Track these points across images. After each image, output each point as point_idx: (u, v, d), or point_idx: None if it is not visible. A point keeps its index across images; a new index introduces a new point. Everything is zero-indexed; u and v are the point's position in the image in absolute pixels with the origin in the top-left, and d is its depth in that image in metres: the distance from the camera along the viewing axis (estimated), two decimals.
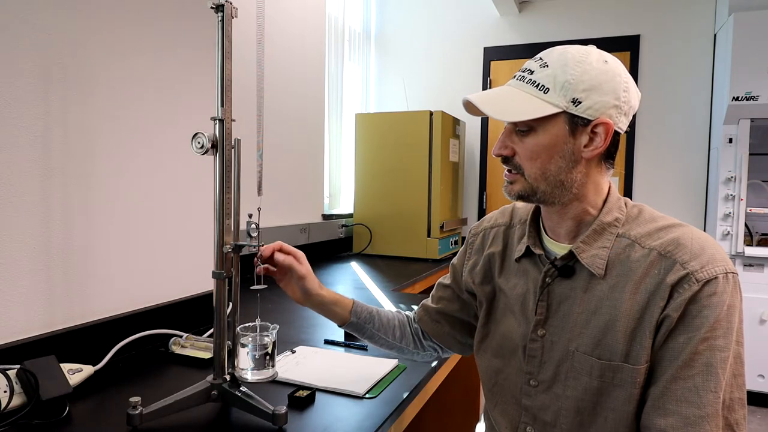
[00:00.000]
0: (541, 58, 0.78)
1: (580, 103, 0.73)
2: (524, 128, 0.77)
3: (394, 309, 1.08)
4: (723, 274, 0.70)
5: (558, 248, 0.83)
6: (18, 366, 0.92)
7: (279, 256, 0.93)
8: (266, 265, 0.94)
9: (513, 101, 0.76)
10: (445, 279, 1.05)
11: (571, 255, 0.79)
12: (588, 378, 0.76)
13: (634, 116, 0.80)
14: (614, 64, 0.76)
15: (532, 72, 0.77)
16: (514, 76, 0.80)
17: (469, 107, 0.81)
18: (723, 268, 0.70)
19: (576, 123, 0.75)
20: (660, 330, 0.71)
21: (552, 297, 0.82)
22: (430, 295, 1.07)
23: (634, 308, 0.73)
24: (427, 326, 1.04)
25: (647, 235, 0.76)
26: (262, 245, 0.92)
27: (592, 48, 0.77)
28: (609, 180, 0.83)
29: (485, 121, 3.68)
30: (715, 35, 3.15)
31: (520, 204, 0.96)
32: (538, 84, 0.75)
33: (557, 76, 0.74)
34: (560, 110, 0.74)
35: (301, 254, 0.96)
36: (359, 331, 1.01)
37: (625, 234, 0.78)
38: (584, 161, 0.77)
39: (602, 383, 0.75)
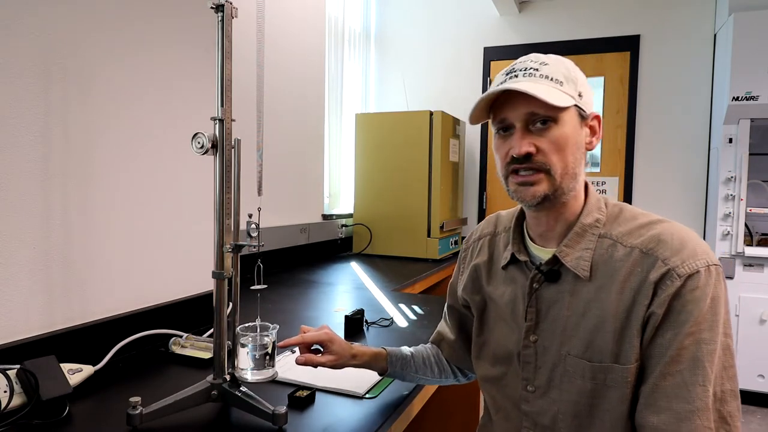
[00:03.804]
0: (533, 61, 0.78)
1: (582, 96, 0.77)
2: (544, 122, 0.75)
3: (428, 345, 1.09)
4: (705, 267, 0.70)
5: (542, 253, 0.83)
6: (18, 366, 0.91)
7: (299, 360, 0.91)
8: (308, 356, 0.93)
9: (545, 89, 0.74)
10: (448, 301, 1.06)
11: (555, 259, 0.80)
12: (581, 381, 0.76)
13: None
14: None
15: (537, 69, 0.76)
16: (516, 75, 0.77)
17: (478, 116, 0.80)
18: (704, 262, 0.71)
19: (582, 116, 0.78)
20: (647, 328, 0.72)
21: (541, 302, 0.82)
22: (444, 323, 1.08)
23: (620, 308, 0.73)
24: (455, 359, 1.04)
25: (628, 233, 0.77)
26: (262, 244, 0.92)
27: None
28: (588, 182, 0.84)
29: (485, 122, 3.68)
30: (715, 35, 3.15)
31: (503, 212, 0.97)
32: (552, 78, 0.76)
33: (563, 72, 0.77)
34: (574, 102, 0.76)
35: (324, 337, 0.93)
36: (400, 377, 1.03)
37: (607, 234, 0.78)
38: (584, 155, 0.80)
39: (595, 385, 0.75)
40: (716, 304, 0.70)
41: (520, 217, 0.89)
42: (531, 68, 0.77)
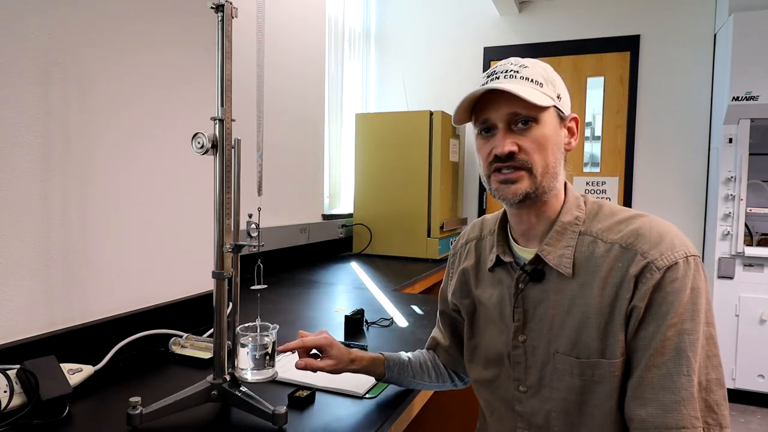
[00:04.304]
0: (513, 63, 0.80)
1: (560, 98, 0.79)
2: (525, 122, 0.77)
3: (424, 351, 1.09)
4: (683, 259, 0.71)
5: (526, 253, 0.84)
6: (18, 366, 0.92)
7: (299, 364, 0.92)
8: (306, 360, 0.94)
9: (526, 89, 0.75)
10: (439, 307, 1.07)
11: (538, 258, 0.80)
12: (570, 378, 0.77)
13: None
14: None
15: (517, 71, 0.78)
16: (497, 77, 0.79)
17: (462, 117, 0.81)
18: (683, 253, 0.72)
19: (561, 117, 0.80)
20: (630, 322, 0.73)
21: (527, 302, 0.82)
22: (437, 329, 1.08)
23: (603, 303, 0.74)
24: (452, 364, 1.05)
25: (608, 229, 0.78)
26: (262, 244, 0.92)
27: None
28: (567, 181, 0.85)
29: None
30: (715, 35, 3.15)
31: (488, 216, 0.98)
32: (532, 79, 0.77)
33: (542, 74, 0.78)
34: (553, 103, 0.78)
35: (324, 342, 0.94)
36: (397, 383, 1.03)
37: (587, 231, 0.79)
38: (563, 155, 0.82)
39: (584, 381, 0.76)
40: (696, 294, 0.71)
41: (504, 219, 0.90)
42: (511, 70, 0.79)
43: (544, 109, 0.77)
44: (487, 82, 0.79)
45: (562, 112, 0.80)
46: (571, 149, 0.82)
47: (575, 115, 0.83)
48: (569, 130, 0.82)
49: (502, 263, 0.87)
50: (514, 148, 0.76)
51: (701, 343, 0.70)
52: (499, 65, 0.81)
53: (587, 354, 0.75)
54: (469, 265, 0.95)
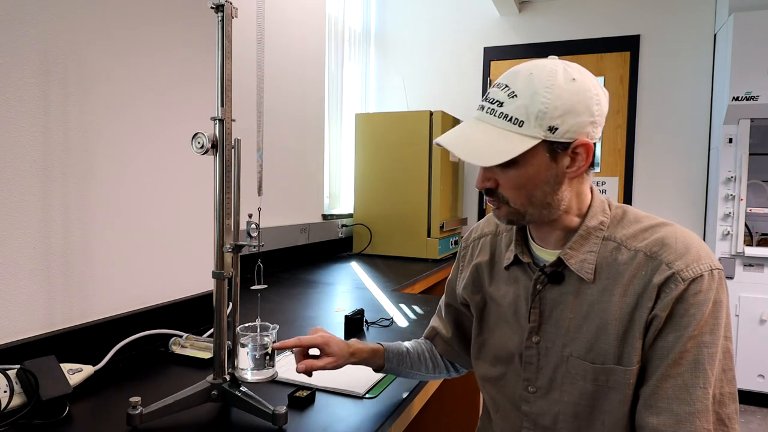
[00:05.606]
0: (507, 86, 0.74)
1: (556, 129, 0.72)
2: (505, 163, 0.74)
3: (421, 340, 1.08)
4: (708, 272, 0.71)
5: (546, 255, 0.83)
6: (18, 366, 0.92)
7: (299, 368, 0.89)
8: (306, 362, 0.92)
9: (489, 141, 0.73)
10: (445, 299, 1.06)
11: (559, 261, 0.80)
12: (583, 382, 0.77)
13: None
14: (582, 79, 0.74)
15: (501, 104, 0.74)
16: (482, 107, 0.76)
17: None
18: (708, 266, 0.71)
19: (555, 149, 0.74)
20: (649, 330, 0.72)
21: (544, 304, 0.82)
22: (438, 319, 1.08)
23: (623, 310, 0.74)
24: (450, 355, 1.05)
25: (632, 236, 0.77)
26: (262, 244, 0.91)
27: (557, 65, 0.74)
28: (591, 184, 0.83)
29: None
30: (715, 35, 3.15)
31: None
32: (511, 117, 0.72)
33: (529, 107, 0.71)
34: (539, 141, 0.72)
35: (320, 340, 0.92)
36: (395, 373, 1.03)
37: (611, 237, 0.78)
38: (568, 180, 0.77)
39: (597, 387, 0.76)
40: (718, 308, 0.71)
41: None
42: (497, 101, 0.74)
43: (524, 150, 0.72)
44: (479, 106, 0.78)
45: (559, 144, 0.73)
46: (576, 175, 0.77)
47: (585, 141, 0.73)
48: (574, 156, 0.75)
49: (519, 262, 0.87)
50: (487, 185, 0.79)
51: (718, 357, 0.70)
52: (494, 86, 0.77)
53: (602, 360, 0.75)
54: (482, 261, 0.94)
